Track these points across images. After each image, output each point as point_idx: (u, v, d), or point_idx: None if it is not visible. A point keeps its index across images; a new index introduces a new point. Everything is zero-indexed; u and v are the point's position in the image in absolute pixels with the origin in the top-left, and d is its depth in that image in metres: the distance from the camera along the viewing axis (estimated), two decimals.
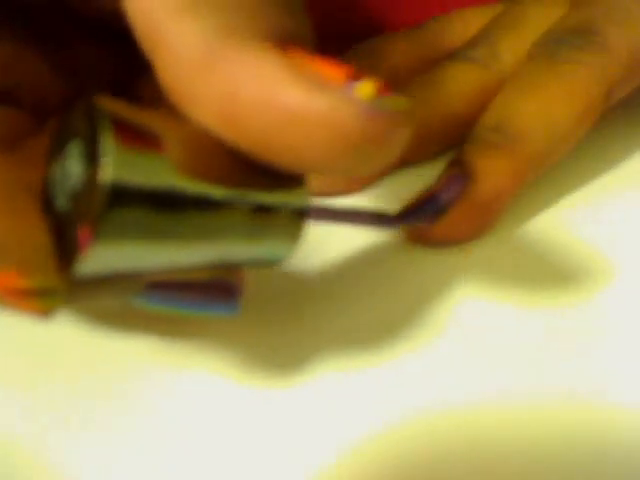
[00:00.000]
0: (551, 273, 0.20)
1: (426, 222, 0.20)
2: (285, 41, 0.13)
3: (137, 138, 0.14)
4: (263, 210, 0.15)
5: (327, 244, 0.22)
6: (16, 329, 0.20)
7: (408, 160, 0.24)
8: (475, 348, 0.18)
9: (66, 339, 0.19)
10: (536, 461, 0.15)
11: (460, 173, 0.20)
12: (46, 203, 0.15)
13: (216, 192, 0.14)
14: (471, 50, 0.25)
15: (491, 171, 0.20)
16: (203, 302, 0.15)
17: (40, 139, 0.16)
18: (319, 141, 0.12)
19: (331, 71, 0.12)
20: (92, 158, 0.14)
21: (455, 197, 0.20)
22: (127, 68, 0.18)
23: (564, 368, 0.17)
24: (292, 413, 0.17)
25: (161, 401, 0.17)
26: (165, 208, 0.14)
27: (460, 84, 0.24)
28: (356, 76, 0.13)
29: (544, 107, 0.21)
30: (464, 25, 0.27)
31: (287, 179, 0.15)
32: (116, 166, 0.13)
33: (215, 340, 0.19)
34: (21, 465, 0.16)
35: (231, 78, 0.12)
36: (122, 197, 0.13)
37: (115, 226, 0.14)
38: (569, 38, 0.22)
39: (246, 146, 0.13)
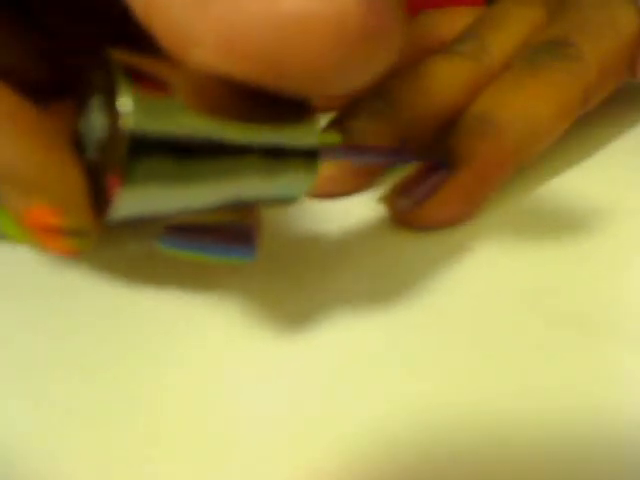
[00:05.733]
0: (544, 259, 0.20)
1: (412, 202, 0.21)
2: None
3: (150, 85, 0.14)
4: (277, 150, 0.15)
5: (326, 223, 0.22)
6: (15, 326, 0.19)
7: None
8: (473, 340, 0.18)
9: (65, 337, 0.19)
10: (536, 460, 0.15)
11: (444, 158, 0.21)
12: (78, 155, 0.16)
13: (229, 131, 0.15)
14: (460, 44, 0.26)
15: (476, 157, 0.21)
16: (221, 246, 0.16)
17: (65, 102, 0.17)
18: (323, 42, 0.12)
19: None
20: (113, 109, 0.14)
21: (440, 181, 0.21)
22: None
23: (564, 360, 0.17)
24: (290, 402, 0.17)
25: (160, 395, 0.17)
26: (184, 149, 0.14)
27: (451, 76, 0.25)
28: None
29: (526, 104, 0.22)
30: (453, 21, 0.29)
31: (296, 115, 0.15)
32: (136, 113, 0.14)
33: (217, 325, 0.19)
34: (21, 465, 0.15)
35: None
36: (144, 141, 0.14)
37: (141, 170, 0.14)
38: (547, 48, 0.24)
39: (249, 74, 0.13)
